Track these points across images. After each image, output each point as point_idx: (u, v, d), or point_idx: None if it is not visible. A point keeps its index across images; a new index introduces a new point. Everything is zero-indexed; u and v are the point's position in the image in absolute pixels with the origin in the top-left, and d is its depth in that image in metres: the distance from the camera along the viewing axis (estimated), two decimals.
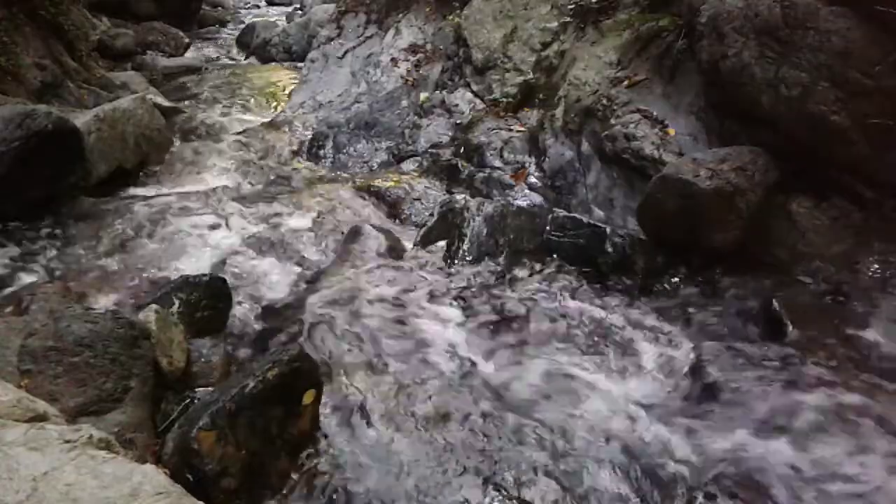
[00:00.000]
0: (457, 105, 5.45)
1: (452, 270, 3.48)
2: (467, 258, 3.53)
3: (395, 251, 3.72)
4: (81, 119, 4.37)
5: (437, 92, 5.68)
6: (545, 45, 5.20)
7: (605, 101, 4.26)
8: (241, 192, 4.58)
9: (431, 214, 3.90)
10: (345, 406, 2.54)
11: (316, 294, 3.28)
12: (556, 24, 5.19)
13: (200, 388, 2.58)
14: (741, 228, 3.25)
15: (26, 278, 3.36)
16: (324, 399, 2.45)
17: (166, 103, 6.15)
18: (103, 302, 3.13)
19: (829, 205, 3.32)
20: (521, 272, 3.47)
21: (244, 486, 2.09)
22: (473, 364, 2.82)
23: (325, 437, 2.38)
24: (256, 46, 9.57)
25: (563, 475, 2.27)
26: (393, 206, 4.36)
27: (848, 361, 2.69)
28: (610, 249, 3.42)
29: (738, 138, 3.55)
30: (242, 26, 10.79)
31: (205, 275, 3.09)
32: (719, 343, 2.91)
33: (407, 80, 5.94)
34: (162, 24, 9.74)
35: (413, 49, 6.24)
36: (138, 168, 4.76)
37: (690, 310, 3.16)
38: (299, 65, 7.81)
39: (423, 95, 5.71)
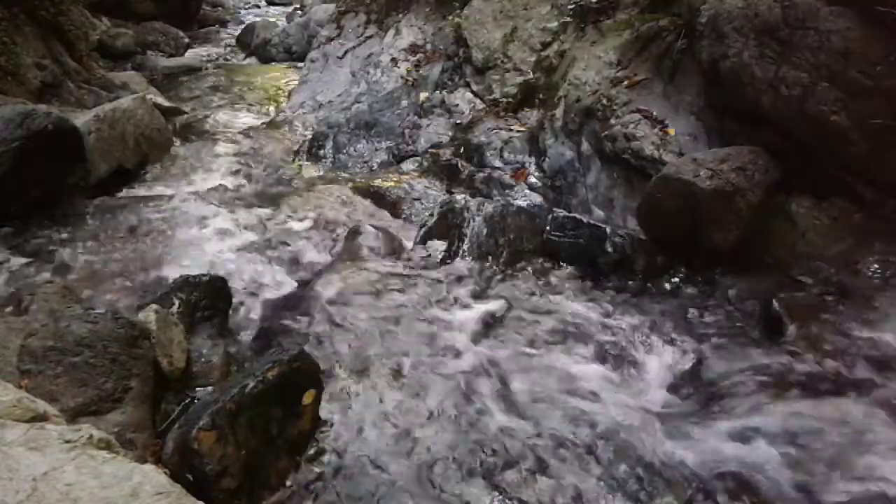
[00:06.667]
0: (457, 105, 5.45)
1: (452, 270, 3.48)
2: (467, 258, 3.53)
3: (395, 251, 3.72)
4: (81, 119, 4.37)
5: (437, 92, 5.68)
6: (545, 45, 5.20)
7: (605, 101, 4.26)
8: (241, 192, 4.58)
9: (431, 214, 3.90)
10: (345, 406, 2.54)
11: (316, 294, 3.28)
12: (556, 24, 5.19)
13: (200, 388, 2.58)
14: (741, 228, 3.25)
15: (26, 278, 3.36)
16: (324, 399, 2.45)
17: (166, 103, 6.16)
18: (103, 302, 3.13)
19: (829, 205, 3.32)
20: (521, 272, 3.47)
21: (244, 486, 2.09)
22: (474, 364, 2.81)
23: (325, 437, 2.38)
24: (256, 46, 9.57)
25: (564, 475, 2.27)
26: (393, 206, 4.35)
27: (848, 361, 2.69)
28: (610, 249, 3.42)
29: (738, 138, 3.55)
30: (242, 26, 10.79)
31: (205, 275, 3.09)
32: (719, 343, 2.92)
33: (407, 80, 5.94)
34: (162, 24, 9.74)
35: (413, 49, 6.24)
36: (138, 168, 4.76)
37: (690, 310, 3.16)
38: (299, 65, 7.81)
39: (423, 95, 5.71)
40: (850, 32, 3.07)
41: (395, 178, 4.73)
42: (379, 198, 4.42)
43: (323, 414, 2.43)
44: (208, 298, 2.96)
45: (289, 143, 5.56)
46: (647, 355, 2.92)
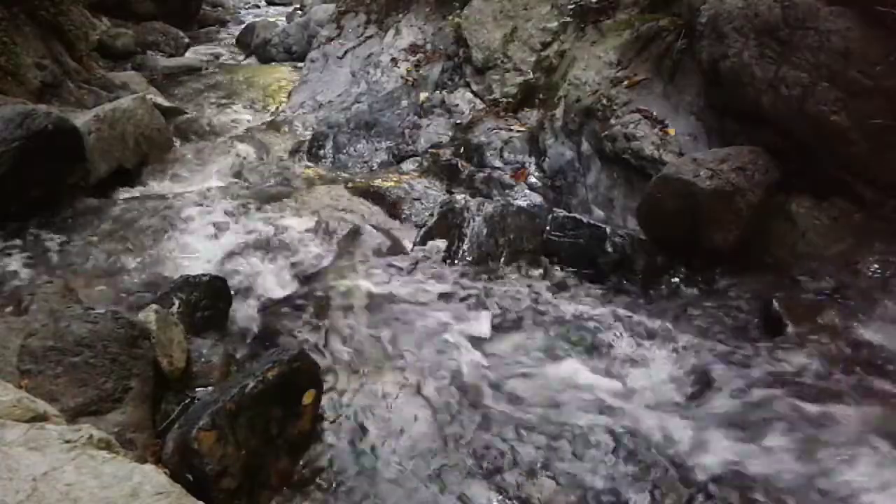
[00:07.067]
0: (457, 105, 5.45)
1: (452, 270, 3.48)
2: (467, 258, 3.53)
3: (395, 251, 3.72)
4: (81, 119, 4.37)
5: (437, 92, 5.68)
6: (545, 45, 5.20)
7: (605, 101, 4.26)
8: (241, 191, 4.58)
9: (431, 214, 3.90)
10: (345, 406, 2.54)
11: (316, 294, 3.28)
12: (556, 24, 5.19)
13: (200, 388, 2.57)
14: (741, 228, 3.25)
15: (26, 278, 3.36)
16: (324, 399, 2.45)
17: (166, 103, 6.16)
18: (103, 302, 3.13)
19: (829, 205, 3.32)
20: (521, 272, 3.47)
21: (244, 486, 2.09)
22: (474, 364, 2.81)
23: (325, 437, 2.38)
24: (256, 46, 9.57)
25: (564, 475, 2.27)
26: (393, 206, 4.35)
27: (848, 362, 2.69)
28: (610, 249, 3.42)
29: (738, 138, 3.55)
30: (242, 26, 10.79)
31: (205, 275, 3.08)
32: (719, 343, 2.92)
33: (407, 80, 5.94)
34: (162, 24, 9.74)
35: (413, 49, 6.24)
36: (138, 168, 4.76)
37: (690, 310, 3.16)
38: (299, 65, 7.81)
39: (423, 95, 5.71)
40: (850, 32, 3.07)
41: (395, 178, 4.72)
42: (379, 198, 4.42)
43: (323, 414, 2.44)
44: (208, 298, 2.96)
45: (289, 143, 5.56)
46: (647, 355, 2.92)
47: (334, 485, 2.22)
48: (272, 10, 13.07)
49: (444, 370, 2.76)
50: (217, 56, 9.64)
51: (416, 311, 3.17)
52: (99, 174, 4.36)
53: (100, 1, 8.94)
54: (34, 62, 5.60)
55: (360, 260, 3.61)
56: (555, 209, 3.90)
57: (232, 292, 3.14)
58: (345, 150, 5.31)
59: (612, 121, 4.11)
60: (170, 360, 2.54)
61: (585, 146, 4.33)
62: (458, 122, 5.29)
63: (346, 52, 6.63)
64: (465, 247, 3.57)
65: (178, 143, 5.36)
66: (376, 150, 5.32)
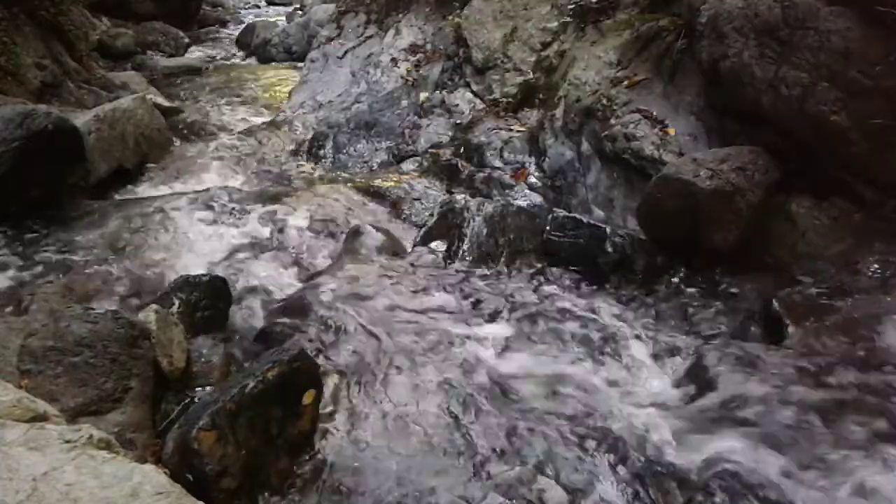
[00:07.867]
0: (457, 105, 5.46)
1: (452, 270, 3.48)
2: (467, 258, 3.53)
3: (395, 251, 3.72)
4: (81, 119, 4.38)
5: (437, 92, 5.68)
6: (545, 45, 5.20)
7: (605, 101, 4.26)
8: (241, 191, 4.58)
9: (431, 214, 3.90)
10: (345, 406, 2.54)
11: (316, 294, 3.28)
12: (556, 24, 5.20)
13: (200, 388, 2.58)
14: (741, 228, 3.25)
15: (26, 278, 3.36)
16: (324, 399, 2.45)
17: (166, 103, 6.17)
18: (103, 302, 3.13)
19: (829, 205, 3.32)
20: (521, 272, 3.47)
21: (244, 486, 2.09)
22: (474, 364, 2.81)
23: (325, 437, 2.38)
24: (256, 46, 9.59)
25: (564, 475, 2.27)
26: (393, 206, 4.36)
27: (848, 362, 2.69)
28: (610, 249, 3.42)
29: (738, 138, 3.55)
30: (242, 26, 10.81)
31: (205, 275, 3.09)
32: (719, 343, 2.91)
33: (407, 80, 5.94)
34: (162, 24, 9.77)
35: (413, 49, 6.24)
36: (138, 168, 4.77)
37: (690, 310, 3.16)
38: (299, 65, 7.82)
39: (423, 95, 5.72)
40: (850, 32, 3.07)
41: (395, 178, 4.73)
42: (379, 198, 4.42)
43: (323, 414, 2.44)
44: (208, 298, 2.96)
45: (289, 143, 5.57)
46: (648, 355, 2.92)
47: (334, 485, 2.22)
48: (272, 10, 13.10)
49: (443, 370, 2.75)
50: (217, 56, 9.65)
51: (416, 310, 3.16)
52: (99, 174, 4.37)
53: (100, 1, 8.96)
54: (34, 62, 5.61)
55: (360, 260, 3.61)
56: (555, 209, 3.90)
57: (232, 292, 3.13)
58: (345, 150, 5.32)
59: (612, 121, 4.11)
60: (170, 360, 2.54)
61: (585, 146, 4.33)
62: (458, 122, 5.29)
63: (346, 52, 6.64)
64: (465, 247, 3.57)
65: (177, 142, 5.37)
66: (376, 150, 5.32)
